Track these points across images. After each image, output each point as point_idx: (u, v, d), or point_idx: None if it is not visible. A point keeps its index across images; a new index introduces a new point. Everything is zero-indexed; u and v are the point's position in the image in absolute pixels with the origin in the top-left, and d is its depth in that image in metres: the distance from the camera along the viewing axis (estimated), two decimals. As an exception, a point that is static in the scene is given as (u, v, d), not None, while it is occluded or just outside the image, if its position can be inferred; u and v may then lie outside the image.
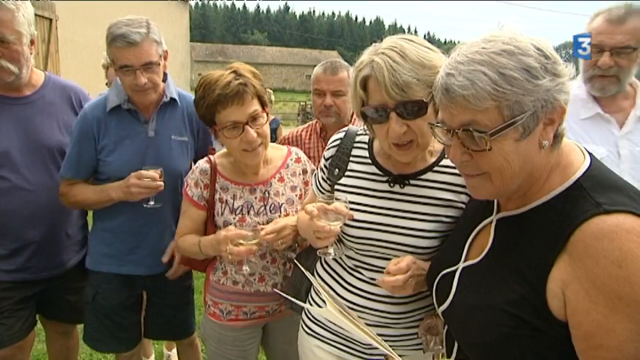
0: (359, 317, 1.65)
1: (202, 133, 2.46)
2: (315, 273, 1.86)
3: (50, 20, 10.63)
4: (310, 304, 1.85)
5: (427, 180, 1.60)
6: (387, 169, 1.65)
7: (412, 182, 1.61)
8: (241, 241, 1.84)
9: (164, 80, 2.34)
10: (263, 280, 2.10)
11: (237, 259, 1.86)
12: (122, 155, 2.27)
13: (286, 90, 64.08)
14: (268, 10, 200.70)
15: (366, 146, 1.72)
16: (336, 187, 1.73)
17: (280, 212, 2.06)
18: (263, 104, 1.98)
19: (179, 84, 2.32)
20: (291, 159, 2.18)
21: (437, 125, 1.18)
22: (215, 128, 1.98)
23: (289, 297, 1.67)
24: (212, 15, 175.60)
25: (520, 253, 1.14)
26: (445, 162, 1.60)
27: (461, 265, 1.31)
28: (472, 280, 1.26)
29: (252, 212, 2.05)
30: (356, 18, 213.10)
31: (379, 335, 1.63)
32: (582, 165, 1.13)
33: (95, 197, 2.27)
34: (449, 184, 1.59)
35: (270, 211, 2.06)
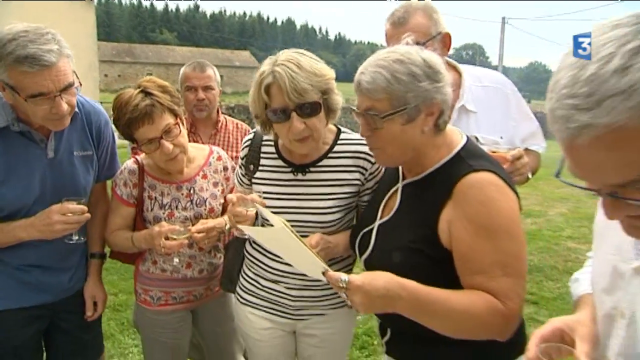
0: (283, 281, 1.96)
1: (106, 143, 2.24)
2: (245, 252, 2.15)
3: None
4: (242, 286, 2.12)
5: (323, 166, 1.93)
6: (291, 161, 1.95)
7: (311, 169, 1.93)
8: (173, 235, 2.04)
9: None
10: (190, 266, 2.30)
11: (169, 251, 2.07)
12: (16, 186, 1.94)
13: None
14: (177, 9, 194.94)
15: (273, 143, 2.01)
16: (253, 180, 2.01)
17: (206, 205, 2.28)
18: (177, 115, 2.12)
19: (87, 86, 2.00)
20: (213, 157, 2.39)
21: (353, 110, 1.58)
22: (136, 145, 2.14)
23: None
24: (117, 12, 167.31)
25: (420, 206, 1.55)
26: (337, 148, 1.94)
27: (377, 223, 1.68)
28: (386, 232, 1.65)
29: (179, 207, 2.24)
30: (268, 18, 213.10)
31: (302, 297, 1.97)
32: (460, 142, 1.58)
33: None
34: (342, 166, 1.92)
35: (197, 205, 2.27)
